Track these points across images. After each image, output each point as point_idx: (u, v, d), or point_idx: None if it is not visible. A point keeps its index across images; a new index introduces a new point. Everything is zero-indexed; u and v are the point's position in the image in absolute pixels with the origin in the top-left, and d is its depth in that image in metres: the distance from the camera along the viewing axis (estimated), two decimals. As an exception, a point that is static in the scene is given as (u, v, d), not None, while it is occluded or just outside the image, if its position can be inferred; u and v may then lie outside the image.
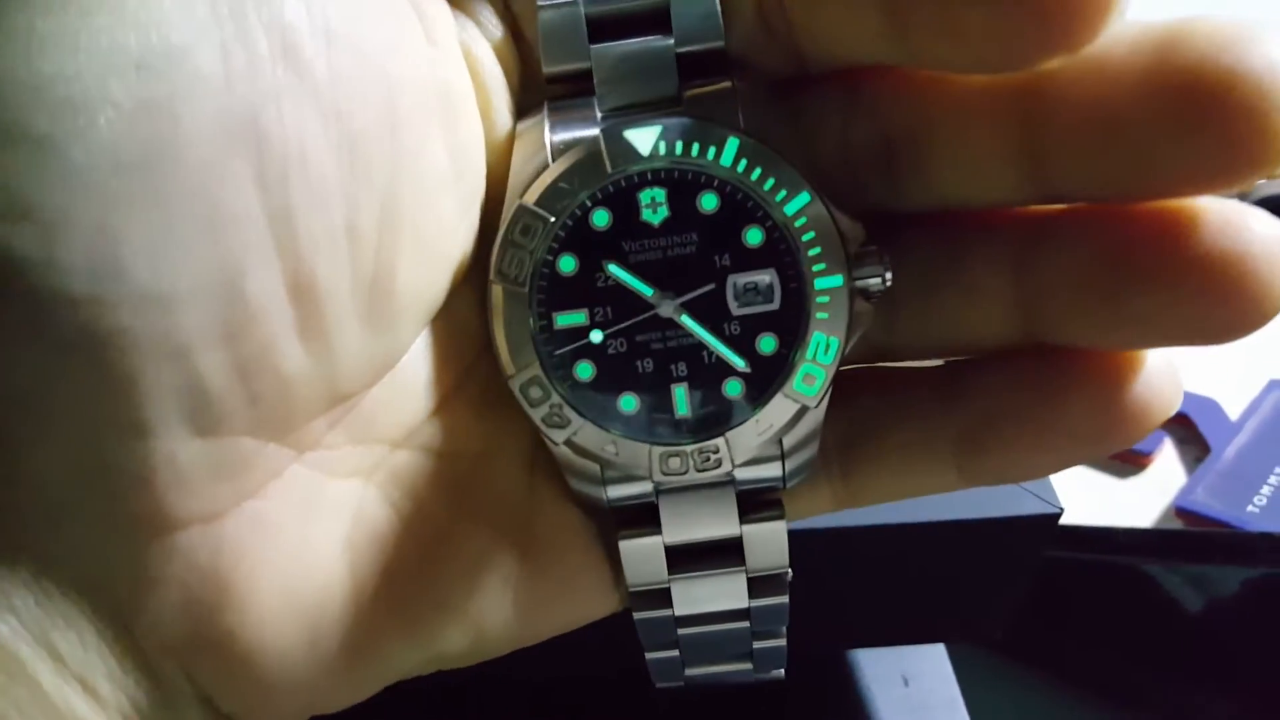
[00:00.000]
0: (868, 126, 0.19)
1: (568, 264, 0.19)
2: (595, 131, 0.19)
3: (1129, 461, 0.50)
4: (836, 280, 0.19)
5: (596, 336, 0.20)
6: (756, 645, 0.23)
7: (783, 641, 0.23)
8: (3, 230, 0.14)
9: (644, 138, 0.19)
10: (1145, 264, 0.17)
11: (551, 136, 0.19)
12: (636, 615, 0.22)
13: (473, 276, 0.20)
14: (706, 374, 0.20)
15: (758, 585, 0.21)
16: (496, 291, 0.19)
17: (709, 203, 0.19)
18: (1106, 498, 0.49)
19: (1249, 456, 0.49)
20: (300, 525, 0.19)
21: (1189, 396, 0.52)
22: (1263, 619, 0.43)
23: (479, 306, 0.20)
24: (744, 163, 0.19)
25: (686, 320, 0.19)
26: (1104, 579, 0.46)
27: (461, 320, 0.20)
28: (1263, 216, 0.16)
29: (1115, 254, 0.18)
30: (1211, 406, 0.52)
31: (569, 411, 0.19)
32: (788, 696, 0.39)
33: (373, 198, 0.17)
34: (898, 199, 0.20)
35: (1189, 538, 0.46)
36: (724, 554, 0.21)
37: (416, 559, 0.20)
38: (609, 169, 0.19)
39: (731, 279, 0.19)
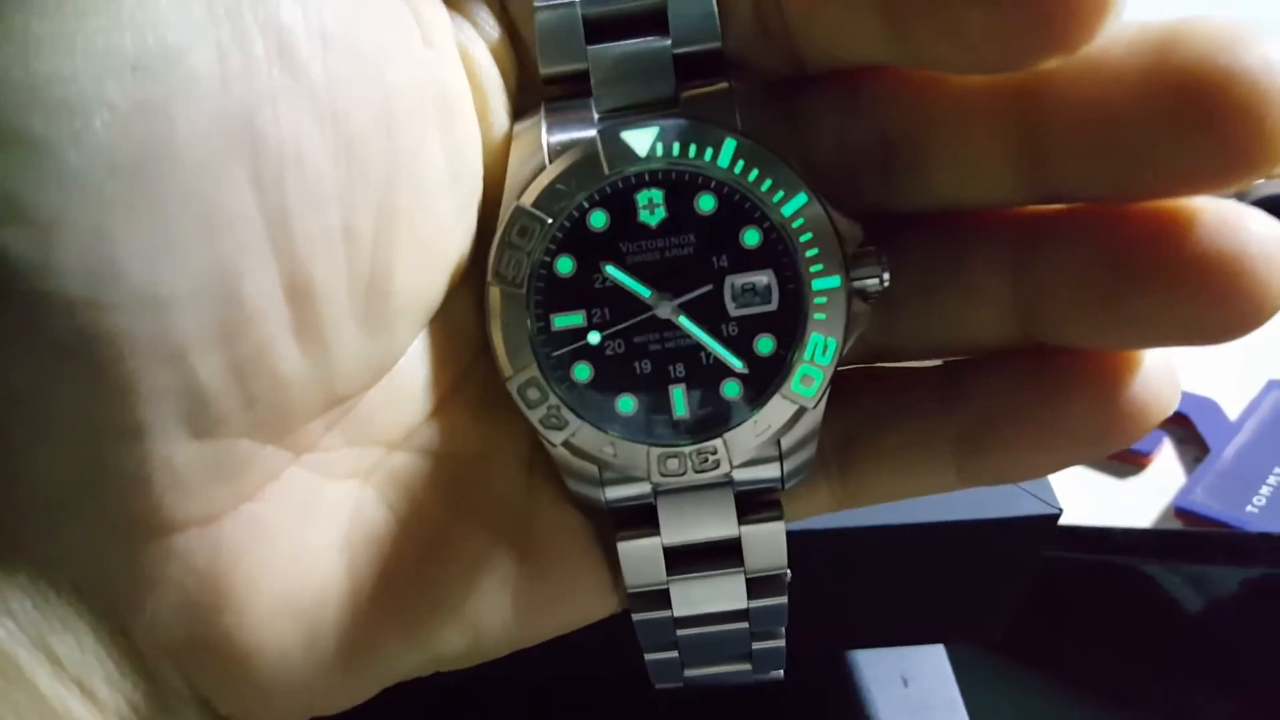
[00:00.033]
0: (865, 127, 0.19)
1: (565, 265, 0.19)
2: (592, 133, 0.19)
3: (1128, 462, 0.50)
4: (834, 281, 0.19)
5: (594, 338, 0.20)
6: (755, 646, 0.22)
7: (782, 642, 0.23)
8: None
9: (641, 139, 0.19)
10: (1143, 264, 0.17)
11: (549, 138, 0.19)
12: (635, 616, 0.22)
13: (470, 278, 0.20)
14: (704, 375, 0.20)
15: (756, 586, 0.21)
16: (494, 293, 0.19)
17: (706, 204, 0.19)
18: (1106, 498, 0.49)
19: (1248, 457, 0.49)
20: (298, 527, 0.19)
21: (1188, 397, 0.52)
22: (1262, 619, 0.43)
23: (476, 308, 0.20)
24: (741, 164, 0.19)
25: (684, 321, 0.19)
26: (1103, 579, 0.46)
27: (459, 322, 0.20)
28: (1260, 216, 0.17)
29: (1113, 254, 0.18)
30: (1210, 407, 0.52)
31: (567, 413, 0.19)
32: (787, 697, 0.39)
33: (369, 199, 0.17)
34: (895, 199, 0.20)
35: (1188, 538, 0.46)
36: (723, 555, 0.21)
37: (414, 561, 0.20)
38: (606, 170, 0.19)
39: (729, 280, 0.19)
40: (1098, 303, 0.18)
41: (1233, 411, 0.52)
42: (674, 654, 0.22)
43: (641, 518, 0.21)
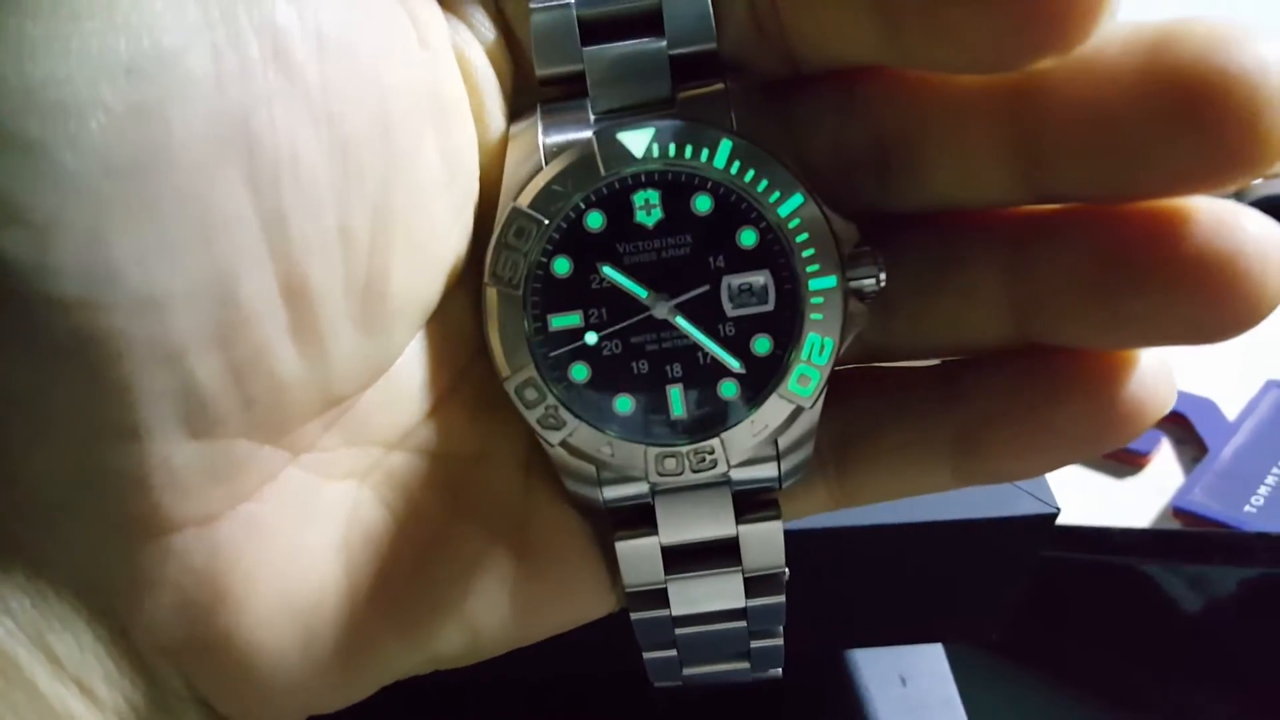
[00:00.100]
0: (861, 127, 0.19)
1: (562, 266, 0.19)
2: (589, 134, 0.19)
3: (1126, 462, 0.50)
4: (831, 281, 0.19)
5: (591, 338, 0.20)
6: (754, 645, 0.23)
7: (780, 641, 0.23)
8: None
9: (637, 140, 0.19)
10: (1139, 264, 0.17)
11: (545, 139, 0.19)
12: (634, 616, 0.22)
13: (467, 279, 0.20)
14: (702, 375, 0.20)
15: (754, 585, 0.21)
16: (491, 294, 0.19)
17: (703, 204, 0.19)
18: (1104, 498, 0.49)
19: (1246, 457, 0.49)
20: (295, 527, 0.19)
21: (1186, 397, 0.52)
22: (1261, 619, 0.43)
23: (473, 309, 0.20)
24: (737, 164, 0.19)
25: (681, 322, 0.19)
26: (1101, 579, 0.46)
27: (456, 323, 0.20)
28: (1257, 216, 0.17)
29: (1109, 254, 0.18)
30: (1209, 407, 0.52)
31: (564, 413, 0.20)
32: (785, 696, 0.39)
33: (365, 201, 0.17)
34: (892, 200, 0.20)
35: (1186, 538, 0.46)
36: (720, 554, 0.21)
37: (412, 560, 0.20)
38: (602, 171, 0.19)
39: (726, 280, 0.19)
40: (1094, 302, 0.18)
41: (1231, 412, 0.52)
42: (672, 653, 0.23)
43: (639, 517, 0.21)
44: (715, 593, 0.21)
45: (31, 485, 0.16)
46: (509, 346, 0.19)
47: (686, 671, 0.23)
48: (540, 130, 0.19)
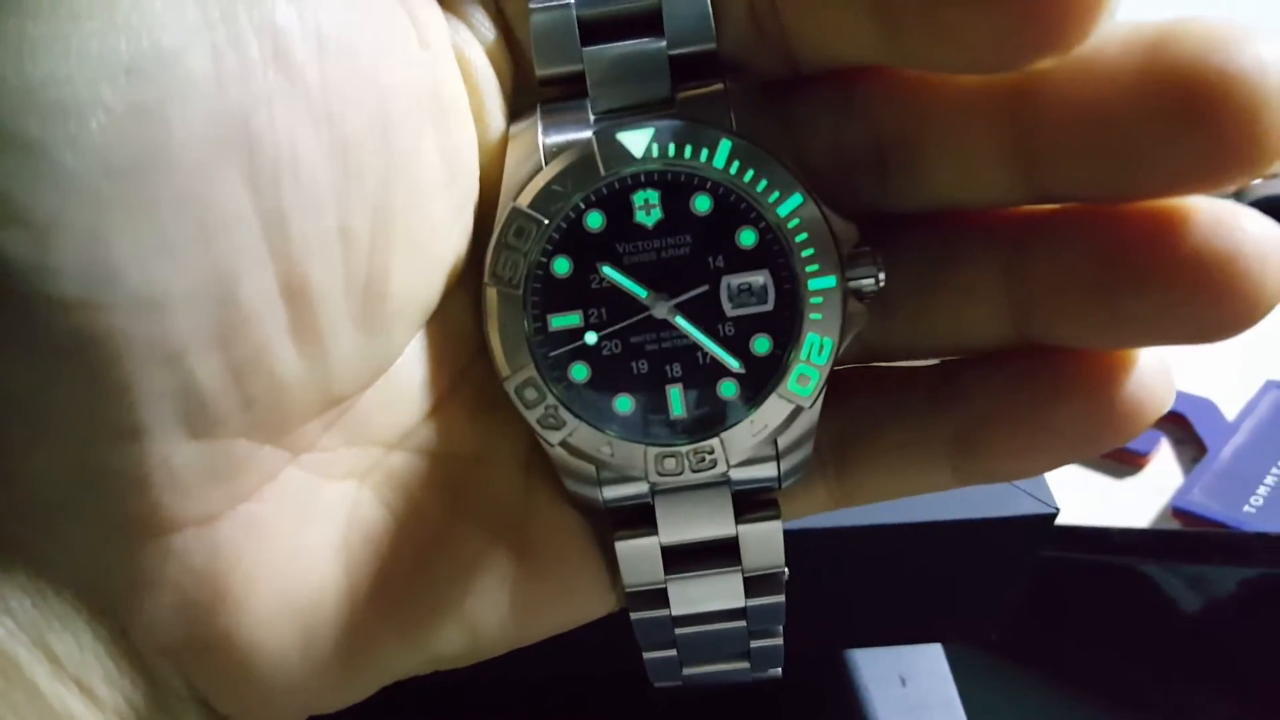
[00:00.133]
0: (860, 127, 0.19)
1: (562, 266, 0.19)
2: (588, 134, 0.19)
3: (1125, 462, 0.51)
4: (830, 281, 0.19)
5: (591, 338, 0.20)
6: (754, 644, 0.23)
7: (779, 641, 0.23)
8: None
9: (637, 140, 0.19)
10: (1138, 264, 0.17)
11: (545, 139, 0.19)
12: (633, 615, 0.22)
13: (467, 279, 0.20)
14: (701, 375, 0.20)
15: (754, 585, 0.21)
16: (491, 294, 0.19)
17: (702, 204, 0.19)
18: (1103, 498, 0.49)
19: (1245, 457, 0.49)
20: (295, 527, 0.19)
21: (1185, 397, 0.52)
22: (1260, 619, 0.43)
23: (473, 309, 0.20)
24: (736, 164, 0.19)
25: (681, 321, 0.19)
26: (1101, 579, 0.46)
27: (456, 323, 0.20)
28: (1255, 216, 0.17)
29: (1108, 254, 0.18)
30: (1208, 407, 0.52)
31: (564, 413, 0.20)
32: (785, 696, 0.39)
33: (365, 201, 0.17)
34: (891, 200, 0.20)
35: (1186, 538, 0.46)
36: (720, 554, 0.21)
37: (412, 560, 0.20)
38: (602, 171, 0.19)
39: (725, 280, 0.19)
40: (1093, 302, 0.18)
41: (1230, 412, 0.52)
42: (672, 652, 0.23)
43: (639, 517, 0.21)
44: (715, 592, 0.21)
45: (31, 485, 0.16)
46: (509, 346, 0.19)
47: (686, 671, 0.23)
48: (540, 130, 0.19)
